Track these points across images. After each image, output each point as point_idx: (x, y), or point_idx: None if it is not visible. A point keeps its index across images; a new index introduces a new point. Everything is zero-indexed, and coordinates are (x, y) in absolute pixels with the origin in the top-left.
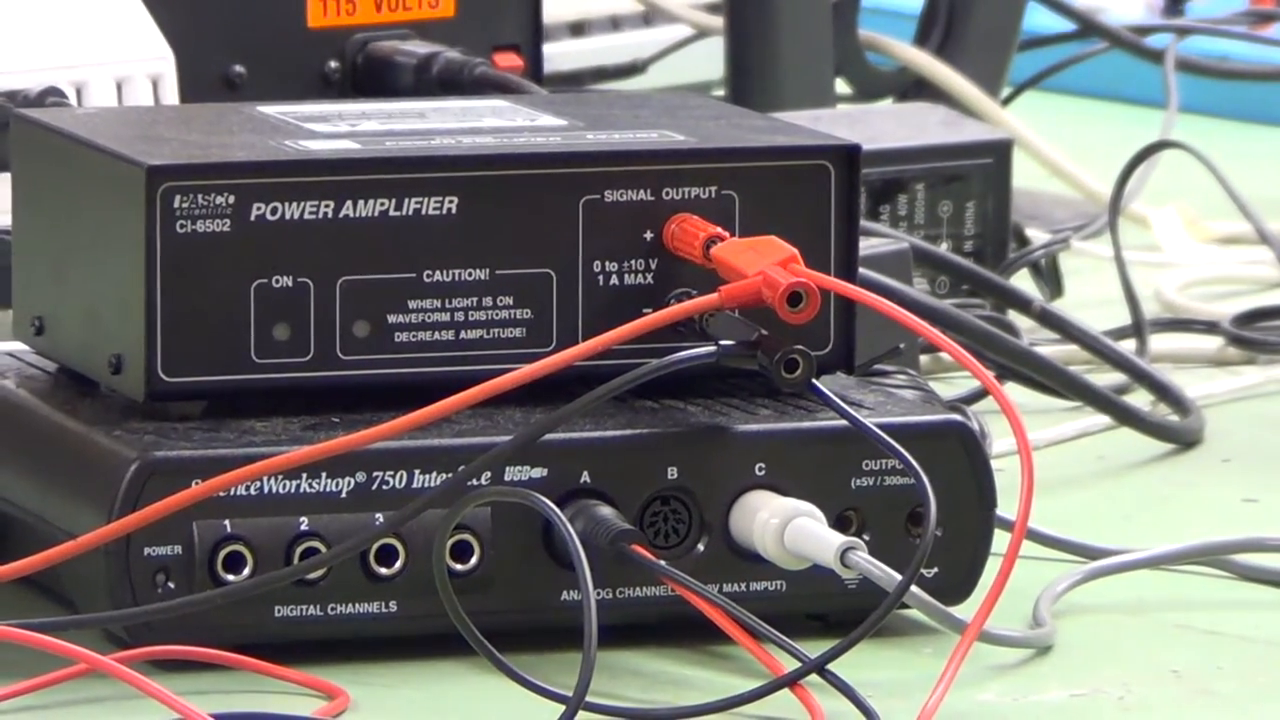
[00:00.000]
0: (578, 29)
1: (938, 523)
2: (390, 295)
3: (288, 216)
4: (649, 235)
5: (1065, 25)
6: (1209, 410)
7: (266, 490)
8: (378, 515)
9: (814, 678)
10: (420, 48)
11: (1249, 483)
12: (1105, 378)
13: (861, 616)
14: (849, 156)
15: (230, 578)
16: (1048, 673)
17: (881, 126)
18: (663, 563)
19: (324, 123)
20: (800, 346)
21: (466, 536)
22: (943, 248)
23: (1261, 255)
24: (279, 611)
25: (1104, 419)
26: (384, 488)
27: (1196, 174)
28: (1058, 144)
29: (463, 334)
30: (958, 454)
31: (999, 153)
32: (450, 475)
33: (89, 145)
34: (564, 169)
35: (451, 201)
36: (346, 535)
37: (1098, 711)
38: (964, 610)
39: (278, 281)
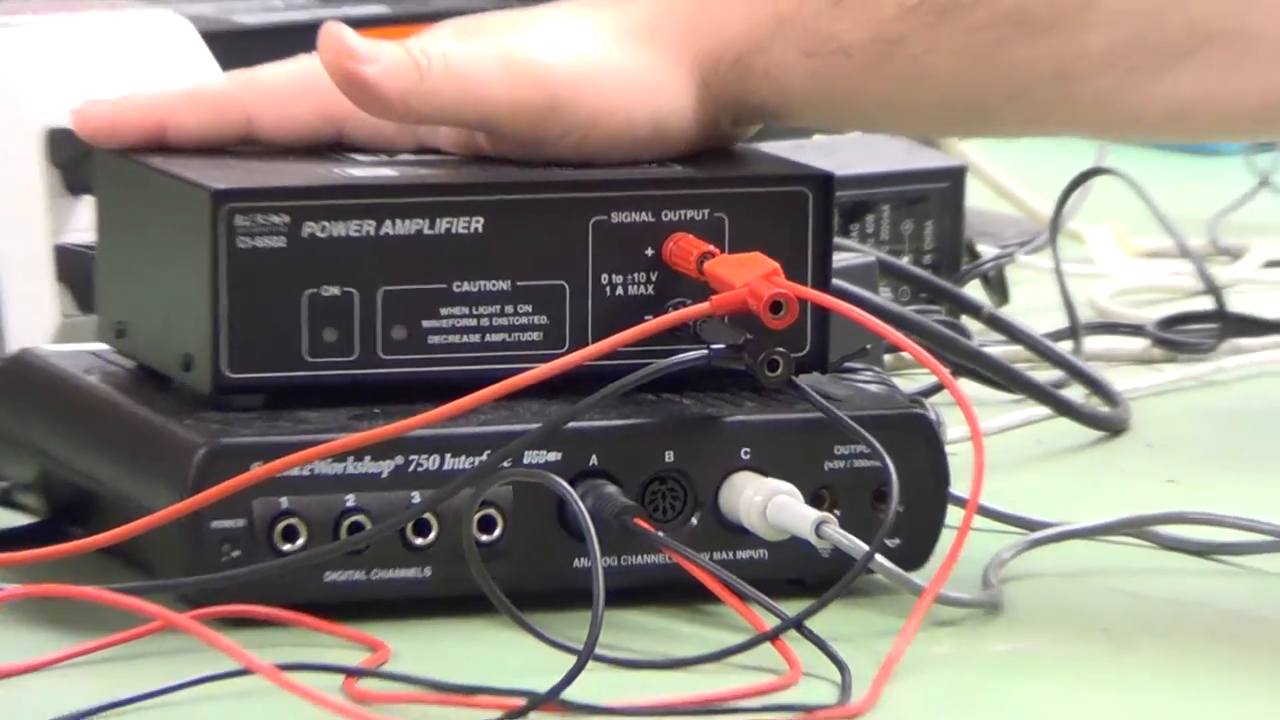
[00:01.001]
0: None
1: (899, 500)
2: (424, 303)
3: (335, 234)
4: (650, 252)
5: None
6: (1135, 402)
7: (317, 472)
8: (414, 493)
9: (792, 633)
10: None
11: (1169, 465)
12: (1045, 374)
13: (834, 580)
14: (824, 183)
15: (286, 547)
16: (994, 630)
17: (852, 155)
18: (661, 534)
19: (366, 152)
20: (781, 349)
21: (491, 511)
22: (904, 261)
23: (1182, 268)
24: (328, 576)
25: (1044, 410)
26: (419, 469)
27: (1125, 197)
28: (1005, 170)
29: (487, 337)
30: (917, 440)
31: (954, 178)
32: (477, 459)
33: (162, 172)
34: (576, 194)
35: (478, 222)
36: (387, 511)
37: (1037, 663)
38: (922, 575)
39: (326, 291)
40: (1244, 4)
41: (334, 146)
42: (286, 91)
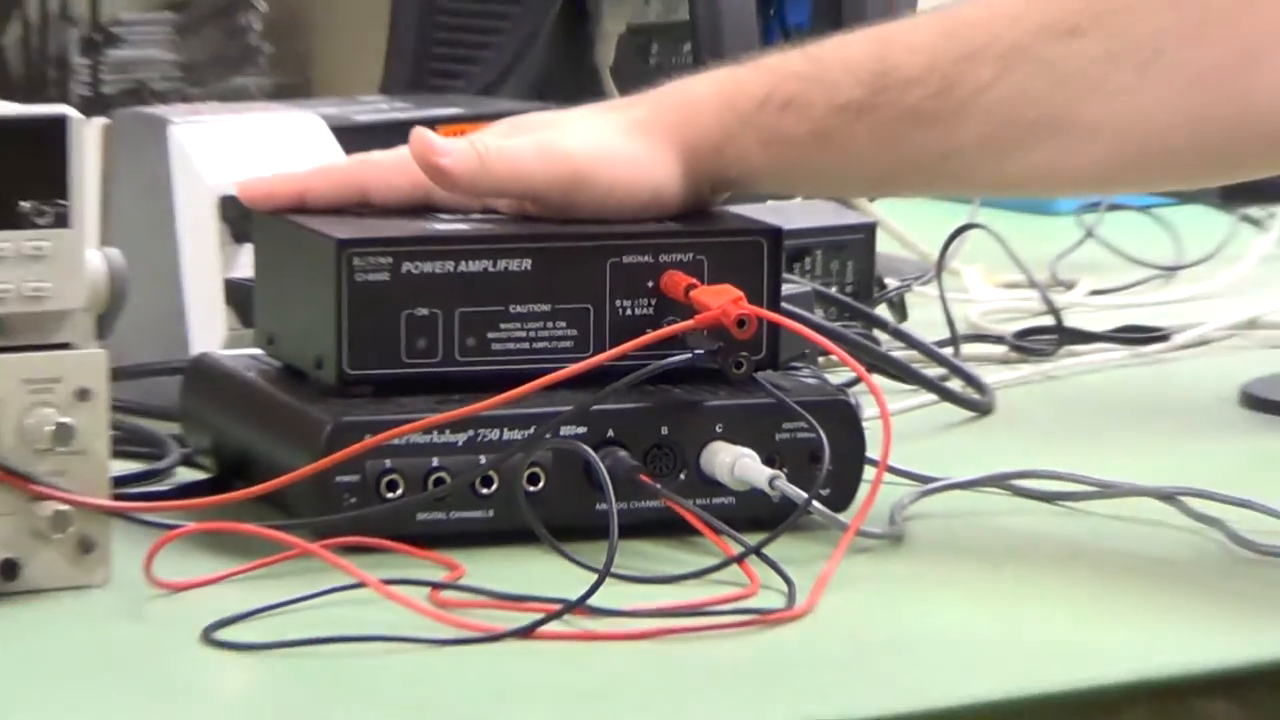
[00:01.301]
0: None
1: (829, 461)
2: (488, 320)
3: (424, 270)
4: (650, 284)
5: None
6: (998, 392)
7: (411, 441)
8: (481, 457)
9: (752, 558)
10: None
11: (1023, 437)
12: (933, 371)
13: (782, 520)
14: (775, 235)
15: (389, 495)
16: (897, 556)
17: (796, 214)
18: (658, 486)
19: (446, 212)
20: (744, 353)
21: (536, 469)
22: (832, 290)
23: (1030, 295)
24: (419, 516)
25: (933, 397)
26: (485, 439)
27: (990, 244)
28: (904, 224)
29: (533, 344)
30: (841, 419)
31: (867, 231)
32: (526, 432)
33: (302, 226)
34: (597, 243)
35: (527, 262)
36: (461, 469)
37: (928, 580)
38: (845, 516)
39: (418, 312)
40: (1082, 103)
41: (424, 208)
42: (390, 170)
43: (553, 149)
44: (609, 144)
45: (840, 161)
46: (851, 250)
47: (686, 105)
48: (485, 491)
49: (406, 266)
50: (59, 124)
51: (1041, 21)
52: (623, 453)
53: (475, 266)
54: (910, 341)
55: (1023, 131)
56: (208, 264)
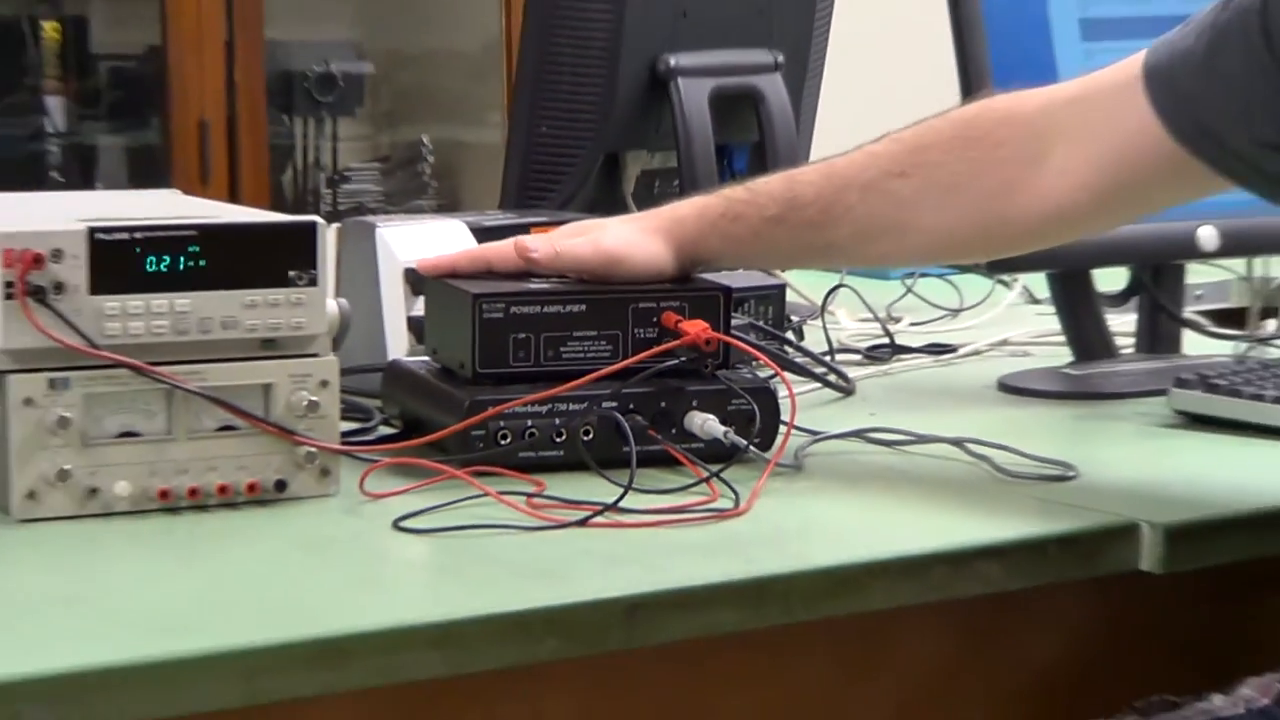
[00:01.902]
0: None
1: (759, 422)
2: (560, 340)
3: (523, 312)
4: (655, 319)
5: None
6: (858, 382)
7: (516, 411)
8: (556, 420)
9: (716, 480)
10: None
11: (874, 407)
12: (819, 369)
13: (731, 458)
14: (727, 291)
15: (502, 442)
16: (800, 478)
17: (739, 279)
18: (659, 437)
19: (539, 278)
20: (710, 360)
21: (588, 426)
22: (760, 323)
23: (875, 325)
24: (520, 454)
25: (818, 385)
26: (558, 409)
27: (853, 296)
28: (802, 284)
29: (586, 355)
30: (766, 397)
31: (781, 288)
32: (582, 406)
33: (453, 285)
34: (624, 296)
35: (582, 307)
36: (544, 428)
37: (816, 491)
38: (769, 455)
39: (519, 335)
40: (910, 216)
41: (523, 275)
42: (503, 253)
43: (599, 244)
44: (631, 240)
45: (766, 251)
46: (772, 300)
47: (676, 218)
48: (558, 440)
49: (513, 309)
50: (312, 227)
51: (884, 168)
52: (639, 417)
53: (552, 310)
54: (805, 352)
55: (875, 233)
56: (397, 307)
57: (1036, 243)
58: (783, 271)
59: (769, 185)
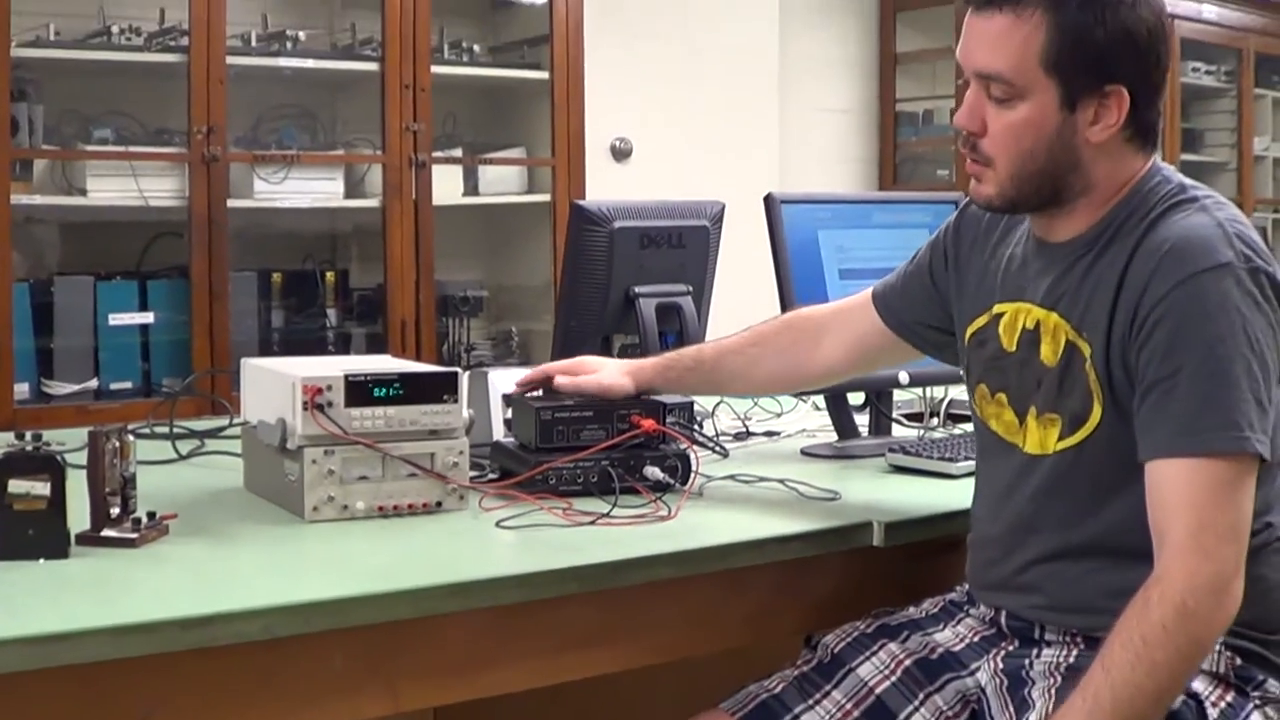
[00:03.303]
0: None
1: (681, 471)
2: (579, 427)
3: (560, 415)
4: (628, 419)
5: None
6: (732, 451)
7: (557, 466)
8: (578, 469)
9: (660, 501)
10: None
11: (736, 465)
12: (710, 444)
13: (667, 490)
14: (665, 405)
15: (551, 483)
16: (702, 500)
17: (670, 398)
18: (630, 478)
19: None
20: (656, 439)
21: (592, 474)
22: (682, 419)
23: (739, 423)
24: (560, 488)
25: (710, 452)
26: (580, 464)
27: (728, 407)
28: (702, 400)
29: (594, 434)
30: (685, 458)
31: (691, 403)
32: (589, 464)
33: (526, 400)
34: (613, 408)
35: (591, 413)
36: (571, 474)
37: (712, 507)
38: (686, 488)
39: (559, 427)
40: (758, 368)
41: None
42: (552, 376)
43: (599, 381)
44: (616, 376)
45: (685, 386)
46: (686, 409)
47: (640, 366)
48: (579, 480)
49: (556, 414)
50: (454, 374)
51: (744, 344)
52: (620, 469)
53: (575, 414)
54: (703, 435)
55: (738, 378)
56: (497, 414)
57: (819, 386)
58: (695, 395)
59: (689, 351)
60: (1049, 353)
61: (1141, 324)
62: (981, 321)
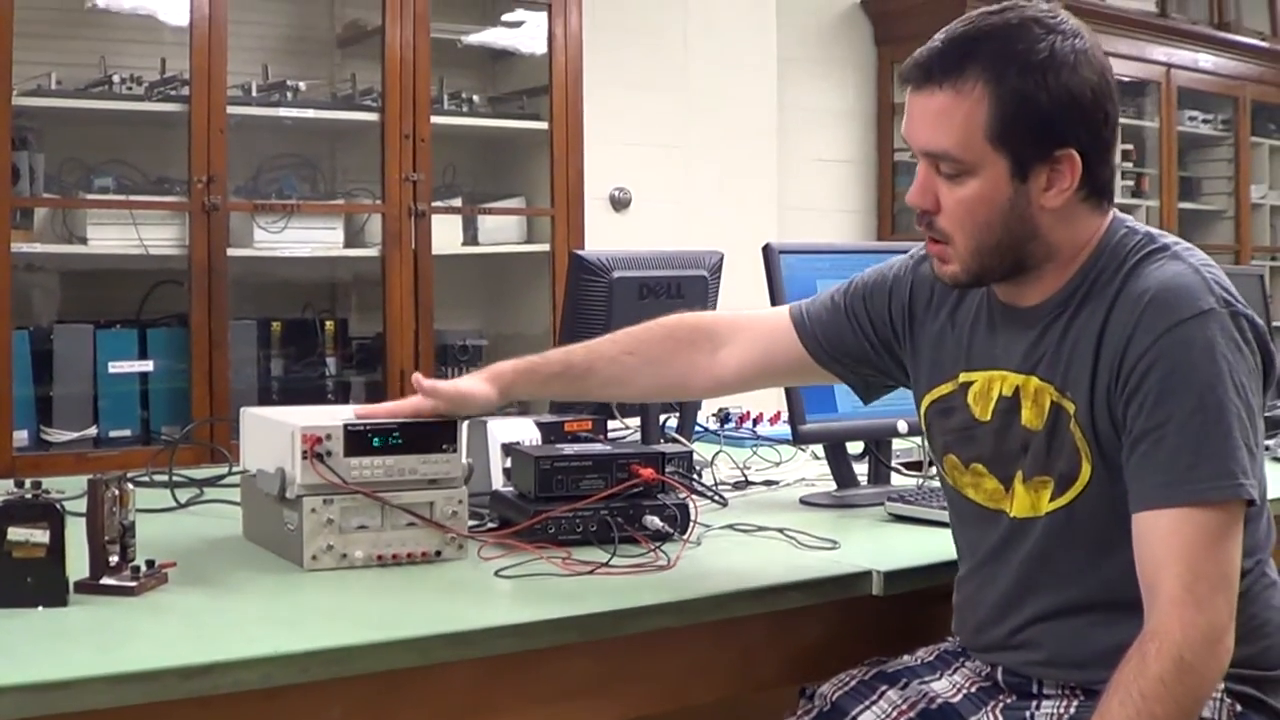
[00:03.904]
0: None
1: (680, 520)
2: (580, 475)
3: (559, 465)
4: (628, 468)
5: None
6: (731, 500)
7: (556, 515)
8: (577, 518)
9: (659, 550)
10: None
11: (733, 515)
12: (709, 493)
13: (667, 539)
14: (665, 455)
15: (550, 532)
16: (701, 549)
17: (667, 447)
18: (629, 528)
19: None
20: (655, 488)
21: (593, 524)
22: (682, 470)
23: (738, 472)
24: (559, 537)
25: (709, 501)
26: (579, 513)
27: (726, 455)
28: (701, 449)
29: (593, 484)
30: (684, 508)
31: (690, 452)
32: (589, 513)
33: (524, 450)
34: (617, 458)
35: (591, 462)
36: (570, 523)
37: (711, 556)
38: (685, 537)
39: (558, 476)
40: (634, 375)
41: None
42: (419, 405)
43: (458, 383)
44: (474, 382)
45: (550, 392)
46: (686, 458)
47: (499, 371)
48: (578, 529)
49: (555, 463)
50: (454, 422)
51: (620, 348)
52: (619, 518)
53: (574, 464)
54: (702, 484)
55: (611, 385)
56: (496, 463)
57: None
58: (563, 400)
59: (556, 355)
60: (1032, 417)
61: (1128, 376)
62: (945, 389)
